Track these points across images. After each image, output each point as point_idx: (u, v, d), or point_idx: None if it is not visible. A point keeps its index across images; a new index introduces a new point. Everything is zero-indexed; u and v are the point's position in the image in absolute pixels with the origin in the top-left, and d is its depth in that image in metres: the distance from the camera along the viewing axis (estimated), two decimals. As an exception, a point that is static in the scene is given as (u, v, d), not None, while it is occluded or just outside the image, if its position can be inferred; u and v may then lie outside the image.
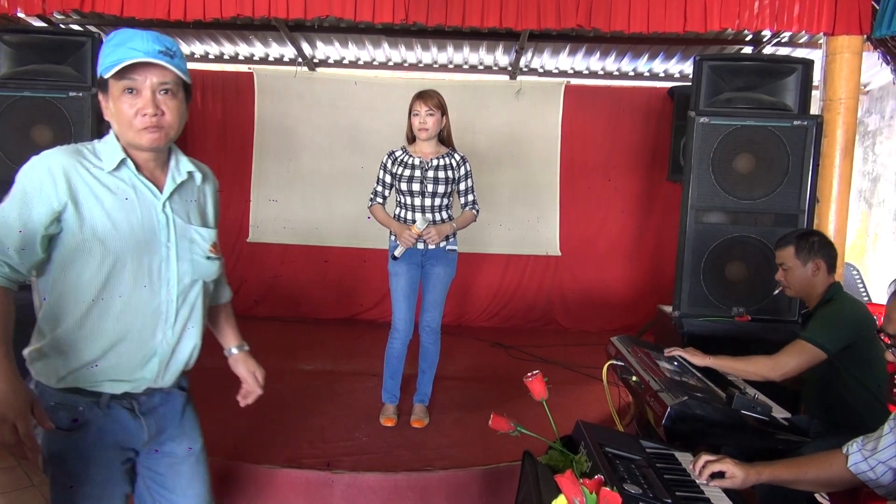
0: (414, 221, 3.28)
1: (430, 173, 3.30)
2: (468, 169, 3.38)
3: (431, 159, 3.32)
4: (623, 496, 1.39)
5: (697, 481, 1.76)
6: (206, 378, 4.11)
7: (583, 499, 1.33)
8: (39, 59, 3.57)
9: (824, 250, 2.65)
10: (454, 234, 3.42)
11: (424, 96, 3.27)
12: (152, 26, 5.34)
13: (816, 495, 2.32)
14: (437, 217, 3.34)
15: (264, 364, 4.62)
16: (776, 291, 2.95)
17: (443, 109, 3.31)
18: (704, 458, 1.78)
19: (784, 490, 1.85)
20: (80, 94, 3.50)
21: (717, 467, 1.75)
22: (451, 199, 3.40)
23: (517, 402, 3.51)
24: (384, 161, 3.37)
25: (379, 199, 3.39)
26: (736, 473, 1.74)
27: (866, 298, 4.99)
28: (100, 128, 3.54)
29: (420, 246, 3.32)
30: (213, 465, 2.87)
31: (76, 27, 5.31)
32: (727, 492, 1.72)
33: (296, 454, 2.93)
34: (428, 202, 3.31)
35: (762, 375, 2.51)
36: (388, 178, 3.36)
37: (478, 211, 3.45)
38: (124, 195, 1.56)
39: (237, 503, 2.85)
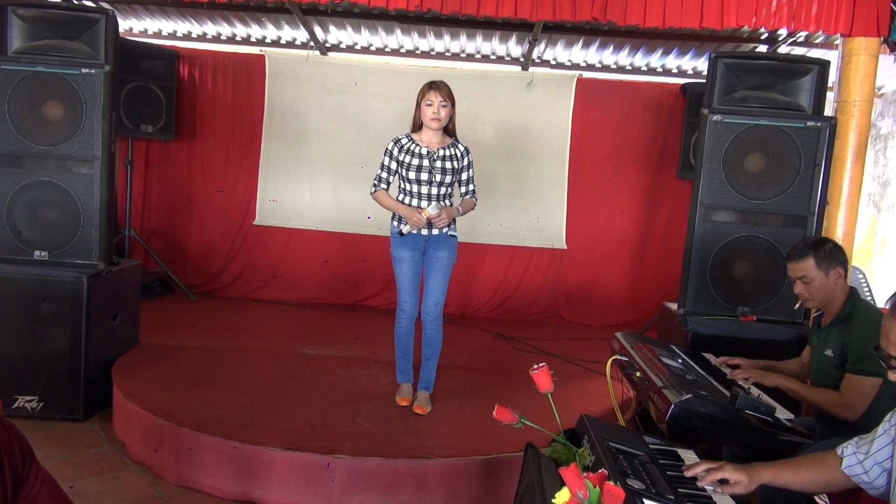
0: (420, 208, 3.30)
1: (438, 163, 3.33)
2: (471, 160, 3.45)
3: (438, 149, 3.35)
4: (626, 491, 1.40)
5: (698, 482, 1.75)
6: (209, 359, 4.16)
7: (586, 492, 1.34)
8: (53, 34, 3.56)
9: (840, 256, 2.60)
10: (454, 221, 3.47)
11: (438, 87, 3.29)
12: (167, 6, 5.36)
13: (816, 497, 2.32)
14: (443, 205, 3.37)
15: (267, 347, 4.69)
16: (797, 306, 2.91)
17: (453, 101, 3.35)
18: (705, 465, 1.77)
19: (784, 491, 1.85)
20: (93, 71, 3.48)
21: (718, 475, 1.73)
22: (453, 187, 3.45)
23: (518, 394, 3.53)
24: (389, 148, 3.39)
25: (383, 186, 3.41)
26: (740, 479, 1.72)
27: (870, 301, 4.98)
28: (111, 105, 3.54)
29: (424, 231, 3.35)
30: (215, 446, 2.90)
31: (90, 3, 5.30)
32: None
33: (297, 437, 2.94)
34: (434, 191, 3.35)
35: (835, 413, 2.43)
36: (393, 165, 3.39)
37: (477, 199, 3.51)
38: None
39: (238, 484, 2.87)
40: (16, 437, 1.37)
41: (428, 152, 3.34)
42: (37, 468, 1.40)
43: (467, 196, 3.47)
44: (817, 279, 2.58)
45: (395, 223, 3.40)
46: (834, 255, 2.59)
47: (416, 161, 3.32)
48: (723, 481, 1.74)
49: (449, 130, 3.42)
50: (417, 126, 3.39)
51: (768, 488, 1.85)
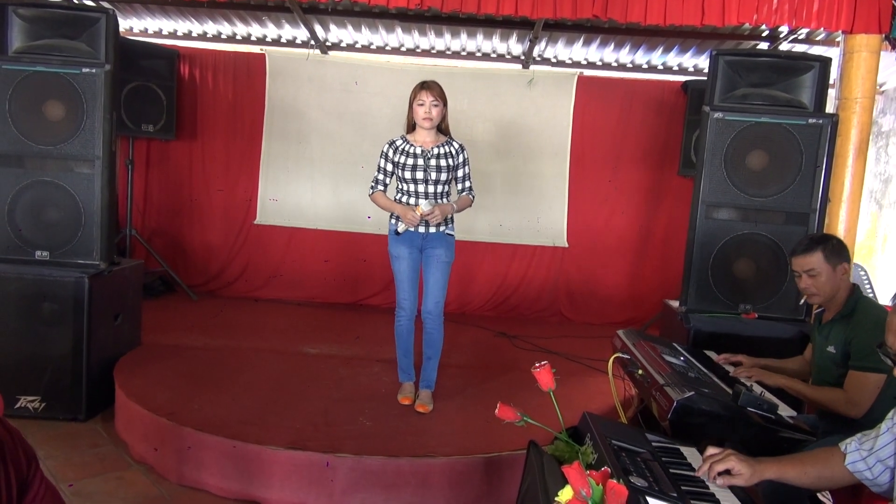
0: (417, 205, 3.32)
1: (433, 161, 3.36)
2: (466, 157, 3.47)
3: (432, 147, 3.39)
4: (629, 488, 1.39)
5: (704, 479, 1.75)
6: (210, 359, 4.16)
7: (589, 490, 1.34)
8: (53, 33, 3.55)
9: (845, 252, 2.60)
10: (452, 220, 3.49)
11: (429, 87, 3.32)
12: (167, 5, 5.35)
13: (819, 493, 2.32)
14: (439, 203, 3.39)
15: (269, 346, 4.69)
16: (802, 302, 2.90)
17: (444, 100, 3.38)
18: (710, 458, 1.77)
19: (787, 486, 1.85)
20: (94, 71, 3.47)
21: (721, 467, 1.73)
22: (450, 185, 3.48)
23: (520, 392, 3.53)
24: (385, 150, 3.44)
25: (380, 187, 3.46)
26: (742, 471, 1.72)
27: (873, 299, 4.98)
28: (111, 105, 3.54)
29: (421, 229, 3.37)
30: (217, 445, 2.90)
31: (90, 2, 5.30)
32: (732, 488, 1.72)
33: (299, 437, 2.94)
34: (431, 189, 3.38)
35: (839, 411, 2.43)
36: (388, 167, 3.44)
37: (474, 196, 3.53)
38: None
39: (240, 483, 2.87)
40: (20, 441, 1.37)
41: (422, 151, 3.37)
42: (41, 475, 1.40)
43: (464, 193, 3.50)
44: (825, 273, 2.57)
45: (393, 221, 3.44)
46: (840, 251, 2.59)
47: (410, 161, 3.36)
48: (726, 471, 1.74)
49: (442, 129, 3.45)
50: (411, 127, 3.44)
51: (771, 483, 1.85)
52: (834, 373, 2.54)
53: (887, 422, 1.72)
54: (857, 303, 2.56)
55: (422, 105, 3.32)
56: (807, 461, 1.82)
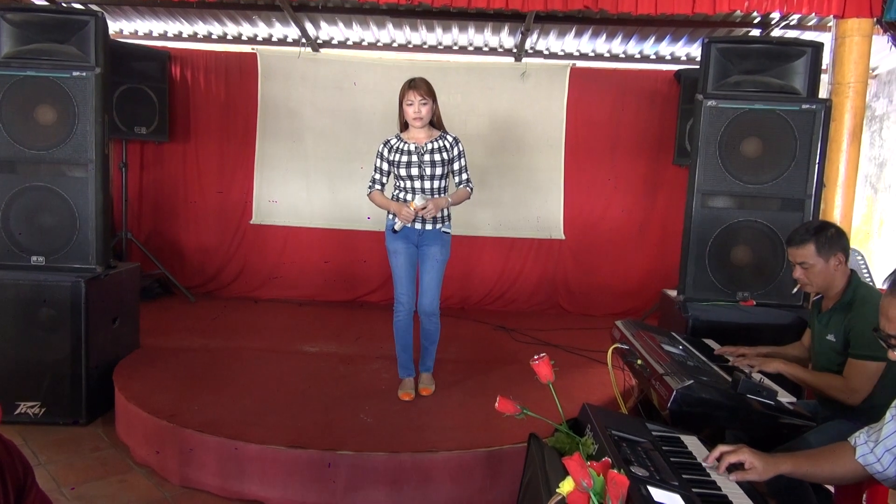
0: (408, 201, 3.34)
1: (427, 157, 3.38)
2: (461, 149, 3.48)
3: (426, 143, 3.41)
4: (630, 478, 1.39)
5: (706, 467, 1.75)
6: (209, 360, 4.16)
7: (590, 481, 1.34)
8: (42, 38, 3.53)
9: (841, 242, 2.57)
10: (448, 218, 3.50)
11: (416, 86, 3.33)
12: (156, 6, 5.33)
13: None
14: (428, 197, 3.40)
15: (268, 346, 4.68)
16: (795, 291, 2.89)
17: (433, 96, 3.39)
18: (721, 448, 1.75)
19: (791, 477, 1.84)
20: (84, 74, 3.46)
21: (733, 458, 1.71)
22: (448, 180, 3.49)
23: (520, 385, 3.52)
24: (380, 150, 3.47)
25: (377, 186, 3.48)
26: (755, 464, 1.70)
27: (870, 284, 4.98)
28: (103, 108, 3.52)
29: (417, 226, 3.39)
30: (219, 446, 2.90)
31: (79, 6, 5.27)
32: None
33: (300, 435, 2.94)
34: (427, 185, 3.39)
35: (837, 397, 2.42)
36: (385, 166, 3.46)
37: (472, 188, 3.53)
38: None
39: (242, 484, 2.87)
40: (16, 454, 1.37)
41: (416, 148, 3.39)
42: (37, 489, 1.40)
43: (461, 185, 3.50)
44: (817, 265, 2.56)
45: (391, 217, 3.44)
46: (835, 241, 2.56)
47: (405, 158, 3.38)
48: (737, 466, 1.73)
49: (434, 124, 3.46)
50: (404, 125, 3.46)
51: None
52: (834, 360, 2.53)
53: (892, 410, 1.71)
54: (856, 291, 2.54)
55: (410, 105, 3.34)
56: (819, 457, 1.81)
